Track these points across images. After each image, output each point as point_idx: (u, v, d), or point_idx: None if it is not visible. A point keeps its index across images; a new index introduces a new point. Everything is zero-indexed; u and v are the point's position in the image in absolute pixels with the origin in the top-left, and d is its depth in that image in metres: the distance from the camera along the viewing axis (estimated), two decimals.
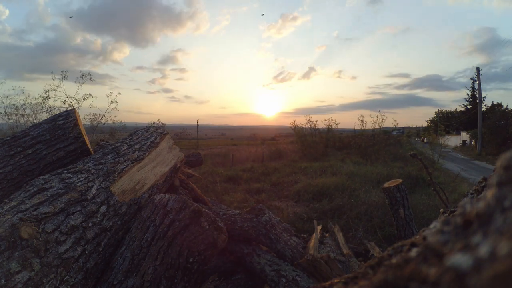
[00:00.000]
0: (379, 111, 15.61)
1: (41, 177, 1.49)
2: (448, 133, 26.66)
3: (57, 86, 9.22)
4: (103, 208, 1.50)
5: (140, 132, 2.39)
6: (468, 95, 37.84)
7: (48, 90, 9.17)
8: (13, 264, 1.05)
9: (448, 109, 44.56)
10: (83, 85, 9.51)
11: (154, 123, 12.22)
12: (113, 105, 10.10)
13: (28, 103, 9.32)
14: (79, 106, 9.54)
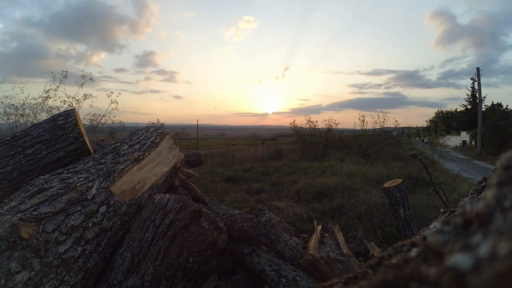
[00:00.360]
0: (381, 111, 15.62)
1: (41, 177, 1.49)
2: (448, 133, 26.66)
3: (58, 86, 9.22)
4: (103, 208, 1.50)
5: (140, 132, 2.39)
6: (468, 95, 37.86)
7: (48, 90, 9.17)
8: (13, 264, 1.05)
9: (448, 109, 44.63)
10: (78, 87, 9.52)
11: (153, 123, 12.22)
12: (113, 105, 10.10)
13: (27, 103, 9.32)
14: (79, 106, 9.55)
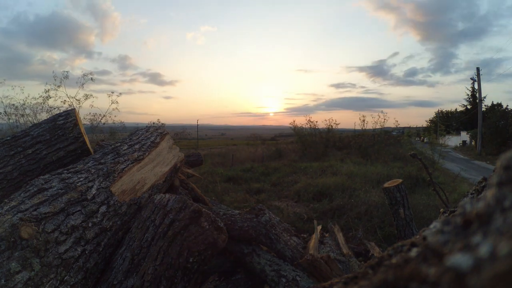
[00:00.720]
0: (382, 111, 15.65)
1: (41, 177, 1.49)
2: (448, 133, 26.66)
3: (58, 86, 9.23)
4: (103, 208, 1.50)
5: (140, 132, 2.39)
6: (468, 95, 37.89)
7: (48, 90, 9.18)
8: (13, 264, 1.05)
9: (448, 109, 44.73)
10: (79, 87, 9.54)
11: (153, 123, 12.22)
12: (113, 105, 10.11)
13: (28, 103, 9.33)
14: (79, 106, 9.56)
